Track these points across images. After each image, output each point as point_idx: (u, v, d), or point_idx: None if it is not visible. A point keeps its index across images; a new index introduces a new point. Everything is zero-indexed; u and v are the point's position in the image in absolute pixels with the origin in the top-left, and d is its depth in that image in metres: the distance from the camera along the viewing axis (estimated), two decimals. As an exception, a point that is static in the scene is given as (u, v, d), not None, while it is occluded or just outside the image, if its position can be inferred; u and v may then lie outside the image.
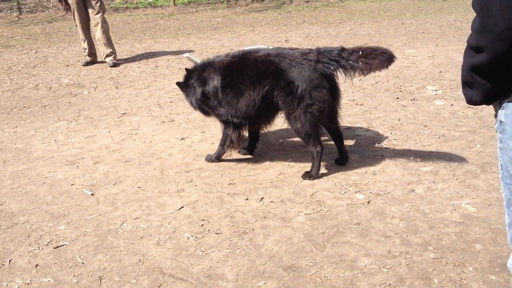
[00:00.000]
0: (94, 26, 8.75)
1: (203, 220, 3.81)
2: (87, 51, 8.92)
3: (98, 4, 8.64)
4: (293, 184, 4.30)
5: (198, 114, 5.97)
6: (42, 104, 6.86)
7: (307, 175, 4.37)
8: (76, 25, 8.87)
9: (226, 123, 4.56)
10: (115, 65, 8.79)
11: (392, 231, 3.53)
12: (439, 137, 5.08)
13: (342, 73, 4.23)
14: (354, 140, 5.15)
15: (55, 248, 3.52)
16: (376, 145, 5.00)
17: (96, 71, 8.55)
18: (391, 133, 5.26)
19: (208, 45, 10.39)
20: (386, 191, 4.09)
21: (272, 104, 4.34)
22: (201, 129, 5.66)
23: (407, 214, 3.74)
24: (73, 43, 11.21)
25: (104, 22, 8.71)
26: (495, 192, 3.96)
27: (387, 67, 4.16)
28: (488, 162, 4.46)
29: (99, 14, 8.67)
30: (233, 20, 13.96)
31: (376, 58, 4.13)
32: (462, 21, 11.59)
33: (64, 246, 3.55)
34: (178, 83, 4.69)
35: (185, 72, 4.71)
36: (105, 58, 8.93)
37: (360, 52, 4.17)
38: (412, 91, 6.61)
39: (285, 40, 10.49)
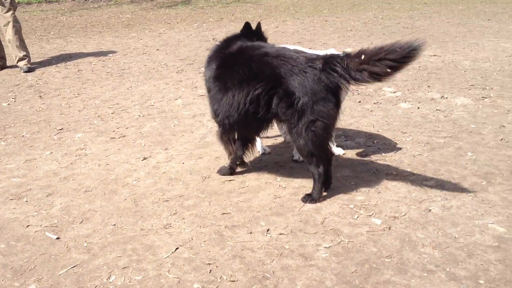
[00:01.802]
0: (4, 25, 7.66)
1: (209, 264, 3.19)
2: None
3: (9, 1, 7.53)
4: (295, 209, 3.79)
5: (151, 127, 5.28)
6: (-48, 120, 5.75)
7: (309, 199, 3.86)
8: None
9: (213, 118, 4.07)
10: (29, 70, 7.73)
11: (431, 264, 3.14)
12: (424, 145, 4.81)
13: (344, 85, 3.58)
14: (339, 153, 4.73)
15: (32, 319, 2.74)
16: (364, 157, 4.62)
17: (9, 77, 7.43)
18: (373, 142, 4.91)
19: (129, 45, 9.52)
20: (401, 212, 3.70)
21: (264, 112, 3.73)
22: (162, 145, 4.95)
23: (436, 240, 3.37)
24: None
25: (15, 21, 7.65)
26: (512, 207, 3.71)
27: (405, 65, 3.38)
28: (489, 172, 4.23)
29: (10, 12, 7.62)
30: (143, 16, 13.09)
31: (384, 61, 3.35)
32: (383, 17, 11.64)
33: (44, 315, 2.78)
34: None
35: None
36: (17, 62, 7.83)
37: (363, 57, 3.47)
38: (371, 93, 6.33)
39: (213, 39, 9.88)
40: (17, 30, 7.69)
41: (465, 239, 3.36)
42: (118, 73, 7.58)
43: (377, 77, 3.45)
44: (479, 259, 3.16)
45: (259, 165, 4.51)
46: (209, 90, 3.98)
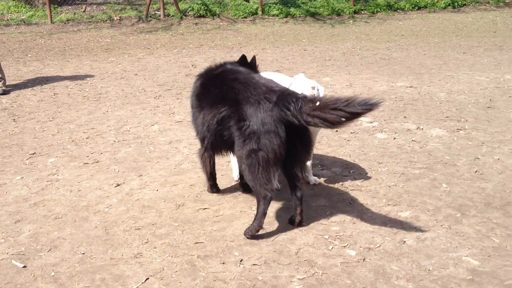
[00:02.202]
0: None
1: (180, 295, 3.11)
2: None
3: None
4: (269, 239, 3.74)
5: (126, 153, 5.21)
6: None
7: (248, 229, 3.74)
8: None
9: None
10: (4, 92, 7.65)
11: (406, 296, 3.10)
12: (399, 176, 4.81)
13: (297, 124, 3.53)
14: (314, 182, 4.71)
15: None
16: (340, 186, 4.60)
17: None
18: (349, 172, 4.90)
19: (107, 69, 9.46)
20: (376, 243, 3.67)
21: (230, 136, 3.75)
22: (136, 171, 4.88)
23: (411, 272, 3.34)
24: None
25: None
26: (486, 240, 3.71)
27: (358, 118, 3.50)
28: (463, 204, 4.24)
29: None
30: (123, 41, 13.07)
31: (339, 111, 3.34)
32: (361, 48, 11.80)
33: None
34: None
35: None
36: None
37: (318, 103, 3.43)
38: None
39: (192, 65, 9.89)
40: None
41: (439, 272, 3.35)
42: (95, 98, 7.51)
43: (329, 124, 3.44)
44: (453, 293, 3.14)
45: (235, 194, 4.46)
46: (191, 107, 4.12)
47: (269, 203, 3.72)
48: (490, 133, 5.89)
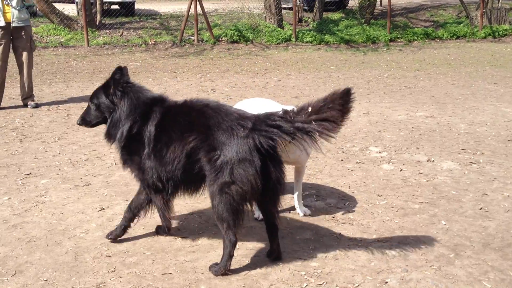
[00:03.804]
0: (19, 64, 8.11)
1: (132, 329, 2.94)
2: None
3: (29, 42, 8.03)
4: (242, 273, 3.54)
5: (120, 177, 5.12)
6: None
7: (213, 268, 3.50)
8: None
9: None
10: (37, 106, 8.20)
11: None
12: (397, 210, 4.54)
13: (292, 142, 3.35)
14: (304, 213, 4.49)
15: None
16: (331, 219, 4.37)
17: (-4, 119, 7.42)
18: (344, 204, 4.66)
19: (127, 92, 9.51)
20: (354, 283, 3.43)
21: (200, 170, 3.47)
22: (124, 195, 4.77)
23: (385, 316, 3.08)
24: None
25: (31, 61, 8.19)
26: (477, 284, 3.41)
27: (346, 114, 3.35)
28: (459, 244, 3.94)
29: (29, 53, 8.10)
30: (152, 65, 13.20)
31: (332, 109, 3.27)
32: (388, 76, 11.52)
33: None
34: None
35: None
36: (24, 100, 8.21)
37: (310, 108, 3.29)
38: (356, 152, 6.11)
39: (212, 90, 9.84)
40: (30, 71, 8.14)
41: (417, 318, 3.07)
42: (106, 120, 7.51)
43: (332, 124, 3.27)
44: None
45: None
46: (142, 146, 3.66)
47: (235, 246, 3.47)
48: (505, 168, 5.54)
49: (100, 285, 3.36)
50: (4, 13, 7.64)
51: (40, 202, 4.62)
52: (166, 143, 3.49)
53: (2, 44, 7.79)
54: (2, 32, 7.75)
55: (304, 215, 4.41)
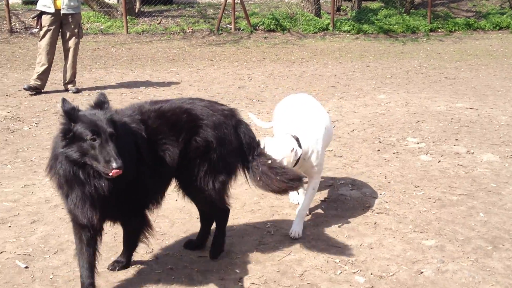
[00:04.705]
0: (66, 50, 8.28)
1: (169, 309, 3.01)
2: (37, 74, 8.04)
3: (77, 29, 8.21)
4: (276, 258, 3.57)
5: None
6: (-28, 141, 5.88)
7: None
8: (40, 47, 8.10)
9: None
10: (78, 91, 8.37)
11: (407, 332, 2.84)
12: (435, 201, 4.49)
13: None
14: (340, 202, 4.48)
15: None
16: (366, 208, 4.35)
17: (39, 103, 7.61)
18: (380, 194, 4.63)
19: (165, 79, 9.62)
20: (389, 272, 3.42)
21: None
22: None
23: (420, 306, 3.06)
24: (16, 69, 10.20)
25: (78, 48, 8.36)
26: (516, 277, 3.36)
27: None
28: (498, 236, 3.88)
29: (76, 39, 8.27)
30: (189, 53, 13.28)
31: (275, 178, 3.28)
32: (427, 67, 11.32)
33: None
34: None
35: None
36: (66, 85, 8.40)
37: (270, 161, 3.35)
38: (393, 142, 6.05)
39: (248, 78, 9.86)
40: (76, 57, 8.34)
41: (453, 309, 3.05)
42: (145, 106, 7.62)
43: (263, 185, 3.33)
44: (462, 333, 2.84)
45: (253, 209, 4.32)
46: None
47: None
48: (548, 161, 5.41)
49: (138, 264, 3.44)
50: (54, 0, 7.86)
51: (81, 184, 4.73)
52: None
53: (51, 30, 8.00)
54: (52, 18, 7.96)
55: (292, 236, 3.85)
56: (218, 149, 3.20)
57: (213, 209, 3.46)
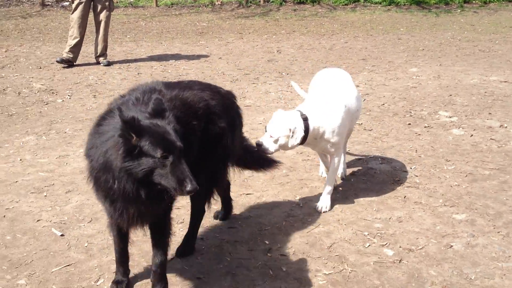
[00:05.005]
0: (97, 23, 8.35)
1: (199, 278, 3.09)
2: (69, 47, 8.14)
3: (108, 2, 8.29)
4: (305, 230, 3.60)
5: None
6: (8, 113, 6.02)
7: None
8: (72, 20, 8.20)
9: None
10: (109, 63, 8.46)
11: (435, 305, 2.85)
12: (466, 175, 4.45)
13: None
14: (369, 175, 4.47)
15: (11, 313, 2.75)
16: (396, 182, 4.34)
17: (72, 75, 7.73)
18: (411, 168, 4.61)
19: (194, 52, 9.63)
20: (418, 245, 3.42)
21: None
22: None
23: (449, 279, 3.07)
24: (48, 42, 10.35)
25: (109, 20, 8.42)
26: (547, 252, 3.32)
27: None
28: (530, 211, 3.83)
29: (107, 12, 8.34)
30: (219, 26, 13.24)
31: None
32: (461, 39, 11.08)
33: (23, 310, 2.78)
34: None
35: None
36: (98, 58, 8.49)
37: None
38: (424, 116, 5.98)
39: (277, 51, 9.81)
40: (107, 30, 8.40)
41: (482, 282, 3.05)
42: (174, 79, 7.66)
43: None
44: (491, 307, 2.84)
45: (282, 181, 4.35)
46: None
47: None
48: None
49: (174, 235, 3.51)
50: None
51: (113, 156, 4.82)
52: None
53: (83, 3, 8.07)
54: None
55: (319, 210, 3.88)
56: (229, 134, 3.15)
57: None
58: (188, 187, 2.37)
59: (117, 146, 2.39)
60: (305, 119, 3.59)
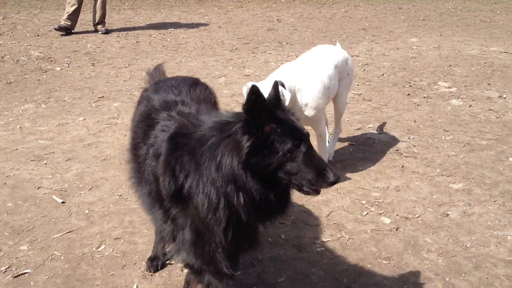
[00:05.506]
0: None
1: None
2: (67, 15, 8.06)
3: None
4: (303, 199, 3.64)
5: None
6: (7, 81, 6.01)
7: None
8: None
9: None
10: (107, 31, 8.42)
11: (431, 271, 2.91)
12: (464, 145, 4.48)
13: None
14: (368, 145, 4.50)
15: (14, 277, 2.80)
16: (394, 152, 4.37)
17: (70, 43, 7.68)
18: (409, 138, 4.63)
19: (193, 20, 9.56)
20: (415, 213, 3.46)
21: None
22: (191, 121, 4.92)
23: (445, 247, 3.12)
24: (46, 9, 10.24)
25: None
26: (542, 221, 3.37)
27: None
28: (526, 181, 3.87)
29: None
30: (218, -6, 13.10)
31: None
32: (462, 9, 10.99)
33: (26, 275, 2.83)
34: None
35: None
36: (96, 26, 8.45)
37: None
38: (423, 86, 5.98)
39: (277, 20, 9.73)
40: None
41: (477, 249, 3.10)
42: (173, 47, 7.63)
43: None
44: (485, 272, 2.90)
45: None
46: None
47: None
48: None
49: (170, 202, 3.55)
50: None
51: (113, 124, 4.84)
52: None
53: None
54: None
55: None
56: None
57: None
58: (331, 177, 1.94)
59: (238, 146, 1.87)
60: (282, 85, 3.46)
